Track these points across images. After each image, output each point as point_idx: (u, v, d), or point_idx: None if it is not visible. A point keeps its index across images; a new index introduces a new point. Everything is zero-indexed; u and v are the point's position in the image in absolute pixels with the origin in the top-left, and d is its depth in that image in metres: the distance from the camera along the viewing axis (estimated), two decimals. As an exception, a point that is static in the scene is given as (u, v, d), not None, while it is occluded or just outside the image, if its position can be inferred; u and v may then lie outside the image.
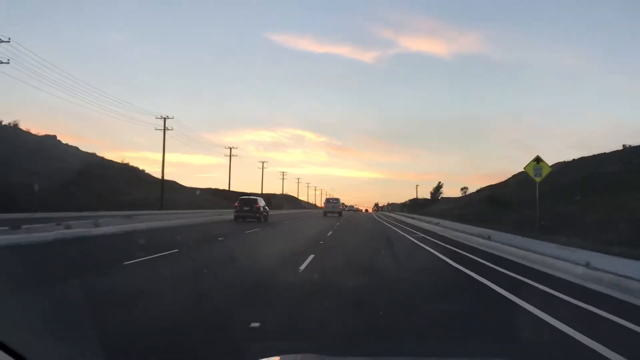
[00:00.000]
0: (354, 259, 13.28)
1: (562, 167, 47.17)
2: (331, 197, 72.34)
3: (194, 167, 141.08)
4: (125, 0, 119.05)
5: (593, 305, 7.10)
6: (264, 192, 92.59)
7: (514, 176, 61.92)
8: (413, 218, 50.03)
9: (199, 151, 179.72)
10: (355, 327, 5.84)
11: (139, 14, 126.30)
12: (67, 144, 57.41)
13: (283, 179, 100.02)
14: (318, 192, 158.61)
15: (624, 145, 49.09)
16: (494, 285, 9.02)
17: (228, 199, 72.67)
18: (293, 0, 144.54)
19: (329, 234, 23.67)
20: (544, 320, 6.16)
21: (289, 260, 12.01)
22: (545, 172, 20.40)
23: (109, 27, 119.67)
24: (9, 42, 29.63)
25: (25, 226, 15.71)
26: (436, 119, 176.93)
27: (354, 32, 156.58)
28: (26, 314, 5.81)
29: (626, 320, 6.20)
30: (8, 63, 29.79)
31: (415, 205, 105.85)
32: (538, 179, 20.31)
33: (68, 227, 16.29)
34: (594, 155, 49.98)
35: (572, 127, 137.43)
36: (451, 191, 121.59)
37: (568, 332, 5.57)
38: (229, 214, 35.20)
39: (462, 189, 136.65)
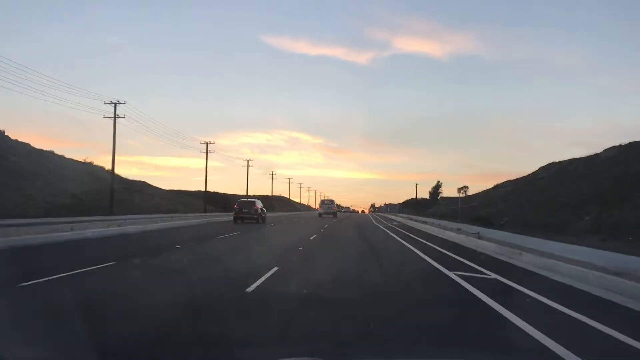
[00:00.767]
0: (330, 277, 9.81)
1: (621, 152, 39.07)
2: (326, 198, 73.05)
3: (191, 171, 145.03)
4: (119, 1, 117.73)
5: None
6: (252, 193, 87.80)
7: (543, 168, 54.14)
8: (424, 222, 35.36)
9: (194, 154, 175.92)
10: None
11: (132, 14, 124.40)
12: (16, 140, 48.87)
13: (272, 179, 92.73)
14: (313, 194, 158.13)
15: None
16: None
17: (215, 204, 65.29)
18: (288, 3, 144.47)
19: (312, 237, 21.07)
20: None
21: (242, 276, 9.22)
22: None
23: (103, 28, 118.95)
24: None
25: None
26: (431, 120, 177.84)
27: (349, 34, 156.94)
28: None
29: None
30: None
31: (415, 206, 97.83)
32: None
33: None
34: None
35: (568, 126, 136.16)
36: (448, 191, 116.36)
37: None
38: (201, 218, 34.00)
39: (459, 189, 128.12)
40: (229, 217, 42.68)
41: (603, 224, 22.98)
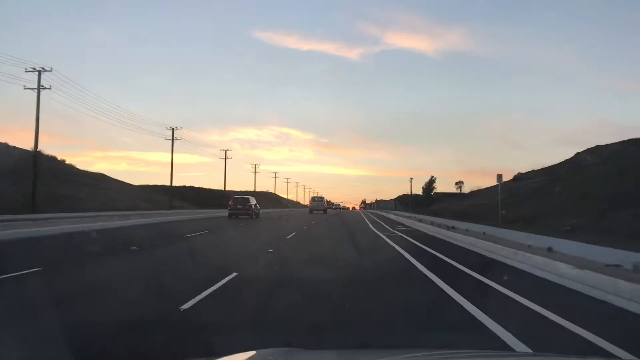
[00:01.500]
0: (296, 286, 7.82)
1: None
2: (316, 195, 76.48)
3: (179, 167, 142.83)
4: None
5: None
6: (235, 189, 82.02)
7: (584, 153, 47.60)
8: (450, 228, 20.79)
9: (186, 151, 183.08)
10: None
11: (122, 11, 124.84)
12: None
13: (255, 172, 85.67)
14: (302, 189, 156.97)
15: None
16: None
17: (189, 199, 58.55)
18: None
19: (290, 236, 19.05)
20: None
21: (183, 288, 7.40)
22: None
23: (95, 24, 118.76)
24: None
25: None
26: (422, 116, 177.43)
27: (340, 30, 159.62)
28: None
29: None
30: None
31: (411, 202, 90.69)
32: None
33: None
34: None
35: (558, 124, 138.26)
36: (442, 187, 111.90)
37: None
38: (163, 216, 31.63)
39: (456, 183, 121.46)
40: (203, 214, 39.32)
41: None
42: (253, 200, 37.32)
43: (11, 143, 46.39)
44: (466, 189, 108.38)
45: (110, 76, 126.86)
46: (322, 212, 57.09)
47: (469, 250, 14.19)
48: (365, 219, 41.06)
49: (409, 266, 10.70)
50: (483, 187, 70.37)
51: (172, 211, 41.76)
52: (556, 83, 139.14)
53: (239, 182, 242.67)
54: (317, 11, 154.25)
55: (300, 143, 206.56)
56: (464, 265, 10.41)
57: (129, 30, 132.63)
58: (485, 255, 12.46)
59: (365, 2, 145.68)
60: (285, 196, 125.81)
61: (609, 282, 6.95)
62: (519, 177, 54.47)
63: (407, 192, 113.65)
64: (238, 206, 35.50)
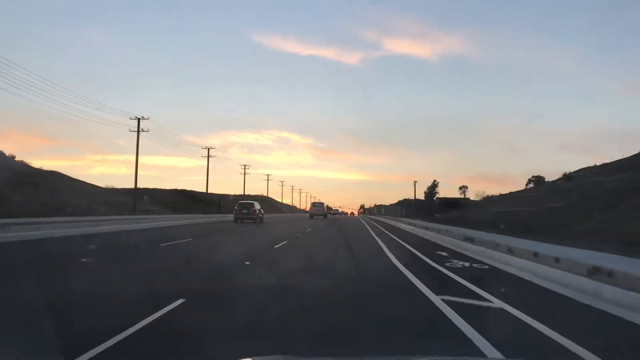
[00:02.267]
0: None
1: None
2: (317, 201, 77.44)
3: (178, 170, 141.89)
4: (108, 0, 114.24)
5: None
6: (227, 192, 76.05)
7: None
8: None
9: (181, 154, 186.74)
10: None
11: (121, 13, 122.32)
12: None
13: (244, 174, 78.54)
14: (298, 194, 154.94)
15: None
16: None
17: (163, 203, 51.23)
18: (278, 2, 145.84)
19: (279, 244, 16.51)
20: None
21: (102, 321, 5.60)
22: None
23: (89, 26, 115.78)
24: None
25: None
26: (421, 121, 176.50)
27: (339, 34, 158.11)
28: None
29: None
30: None
31: (414, 207, 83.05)
32: None
33: None
34: None
35: (558, 128, 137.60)
36: (444, 192, 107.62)
37: None
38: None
39: (460, 188, 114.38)
40: (173, 221, 35.30)
41: None
42: (257, 205, 39.68)
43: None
44: (470, 194, 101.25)
45: (102, 75, 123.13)
46: (322, 217, 61.37)
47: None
48: (367, 227, 33.21)
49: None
50: (509, 192, 62.82)
51: (135, 217, 34.36)
52: (556, 88, 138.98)
53: (229, 185, 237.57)
54: (317, 16, 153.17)
55: (299, 147, 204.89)
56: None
57: (122, 32, 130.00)
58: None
59: (365, 7, 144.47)
60: (279, 200, 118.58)
61: None
62: (571, 176, 45.05)
63: (407, 196, 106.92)
64: (243, 211, 37.88)
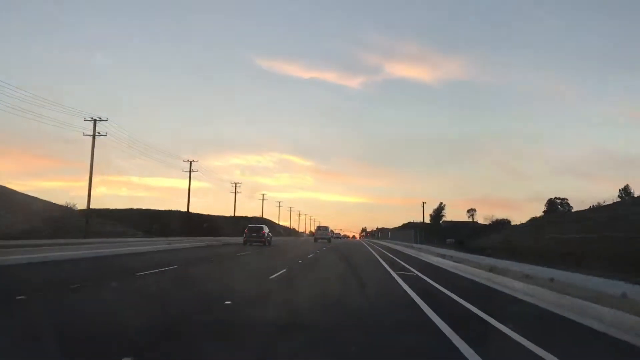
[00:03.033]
0: None
1: None
2: (321, 225, 76.15)
3: (179, 191, 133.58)
4: (108, 20, 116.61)
5: None
6: (221, 214, 68.06)
7: None
8: None
9: (180, 175, 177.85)
10: None
11: (124, 32, 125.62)
12: None
13: (235, 193, 70.59)
14: (299, 216, 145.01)
15: None
16: None
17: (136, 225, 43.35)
18: (281, 26, 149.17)
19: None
20: None
21: None
22: None
23: (92, 47, 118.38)
24: None
25: None
26: (422, 144, 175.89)
27: (341, 58, 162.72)
28: None
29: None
30: None
31: (424, 232, 73.45)
32: None
33: None
34: None
35: (560, 152, 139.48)
36: (451, 215, 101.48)
37: None
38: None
39: (468, 211, 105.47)
40: (128, 247, 26.63)
41: None
42: (266, 229, 41.08)
43: None
44: (478, 218, 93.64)
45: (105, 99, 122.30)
46: (326, 240, 60.70)
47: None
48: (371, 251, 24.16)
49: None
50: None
51: (83, 240, 26.12)
52: (556, 112, 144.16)
53: (226, 206, 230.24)
54: (319, 40, 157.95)
55: (301, 170, 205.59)
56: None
57: (123, 55, 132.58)
58: None
59: (367, 32, 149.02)
60: (276, 221, 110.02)
61: None
62: (628, 193, 35.71)
63: (411, 219, 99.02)
64: (253, 234, 38.87)
